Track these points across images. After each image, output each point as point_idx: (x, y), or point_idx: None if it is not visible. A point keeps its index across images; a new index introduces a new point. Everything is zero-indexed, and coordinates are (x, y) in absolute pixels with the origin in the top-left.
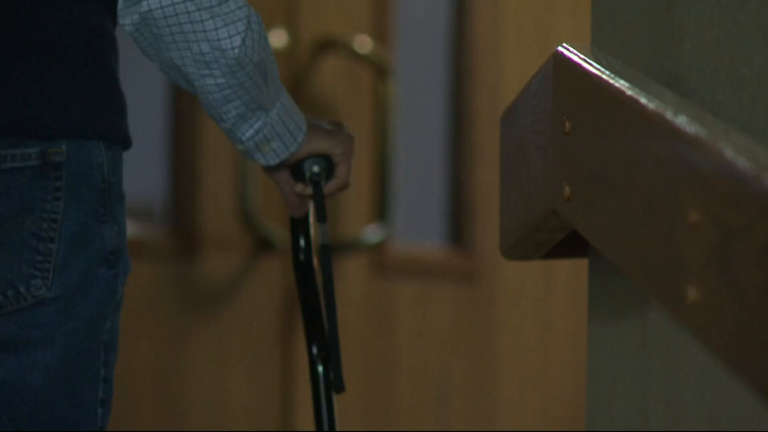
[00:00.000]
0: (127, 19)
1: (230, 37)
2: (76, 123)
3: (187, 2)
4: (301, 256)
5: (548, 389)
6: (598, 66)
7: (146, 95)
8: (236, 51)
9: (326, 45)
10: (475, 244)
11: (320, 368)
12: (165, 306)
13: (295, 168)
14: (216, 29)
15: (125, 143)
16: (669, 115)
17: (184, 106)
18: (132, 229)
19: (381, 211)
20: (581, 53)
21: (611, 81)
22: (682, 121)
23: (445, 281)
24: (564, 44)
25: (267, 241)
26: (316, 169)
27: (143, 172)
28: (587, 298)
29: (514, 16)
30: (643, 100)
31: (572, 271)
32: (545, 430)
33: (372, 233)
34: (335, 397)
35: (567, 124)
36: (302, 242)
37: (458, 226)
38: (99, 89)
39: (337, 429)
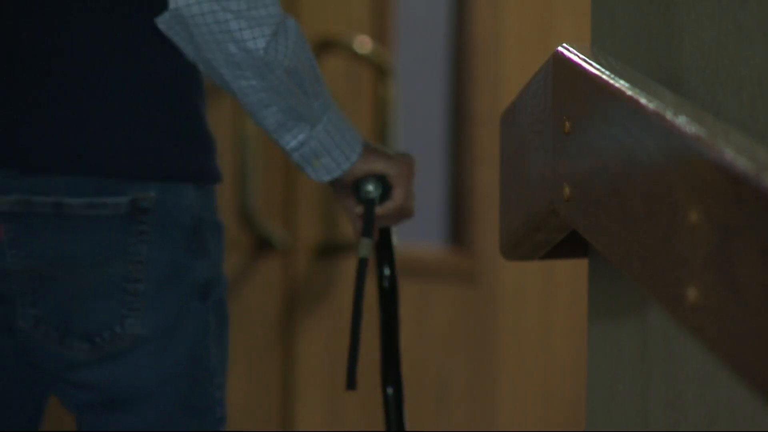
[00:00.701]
0: (160, 17)
1: (254, 38)
2: (167, 166)
3: (212, 3)
4: (385, 284)
5: (548, 389)
6: (598, 66)
7: None
8: (261, 52)
9: (326, 45)
10: (475, 244)
11: (389, 391)
12: None
13: (353, 189)
14: (240, 30)
15: (215, 179)
16: (669, 115)
17: None
18: None
19: None
20: (581, 53)
21: (611, 81)
22: (682, 121)
23: (445, 281)
24: (564, 44)
25: (267, 241)
26: (369, 187)
27: None
28: (587, 298)
29: (514, 16)
30: (643, 100)
31: (572, 271)
32: (545, 430)
33: None
34: (341, 397)
35: (567, 124)
36: (386, 271)
37: (458, 226)
38: (188, 131)
39: None
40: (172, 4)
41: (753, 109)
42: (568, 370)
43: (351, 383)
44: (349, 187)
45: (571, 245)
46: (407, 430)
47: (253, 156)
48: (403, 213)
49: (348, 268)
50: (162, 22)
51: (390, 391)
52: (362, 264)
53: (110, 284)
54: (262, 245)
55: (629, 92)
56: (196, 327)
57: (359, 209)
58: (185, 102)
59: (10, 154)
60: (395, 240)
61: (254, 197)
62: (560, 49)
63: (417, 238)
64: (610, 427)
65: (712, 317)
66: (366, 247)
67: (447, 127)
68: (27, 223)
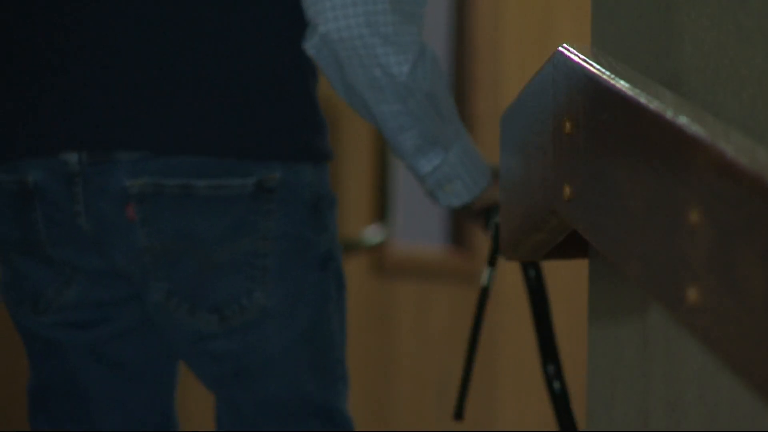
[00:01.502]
0: (309, 42)
1: (399, 63)
2: (288, 147)
3: (362, 27)
4: (533, 285)
5: None
6: (598, 66)
7: None
8: (404, 77)
9: None
10: (475, 244)
11: (557, 386)
12: None
13: (481, 216)
14: (386, 55)
15: (329, 157)
16: (669, 115)
17: None
18: None
19: (381, 211)
20: (581, 53)
21: (611, 81)
22: (682, 121)
23: (445, 281)
24: (564, 44)
25: None
26: (498, 219)
27: None
28: (587, 298)
29: (514, 16)
30: (643, 101)
31: (572, 271)
32: (545, 430)
33: (372, 234)
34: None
35: (567, 124)
36: (532, 272)
37: (458, 226)
38: (304, 114)
39: None
40: (321, 29)
41: (753, 109)
42: (568, 371)
43: (459, 413)
44: (476, 214)
45: (571, 245)
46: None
47: None
48: None
49: (348, 268)
50: (311, 47)
51: (557, 386)
52: (483, 294)
53: (238, 259)
54: None
55: (629, 92)
56: (318, 296)
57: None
58: (302, 87)
59: (140, 138)
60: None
61: None
62: (560, 49)
63: (417, 239)
64: (611, 427)
65: (713, 317)
66: (490, 277)
67: None
68: (157, 204)
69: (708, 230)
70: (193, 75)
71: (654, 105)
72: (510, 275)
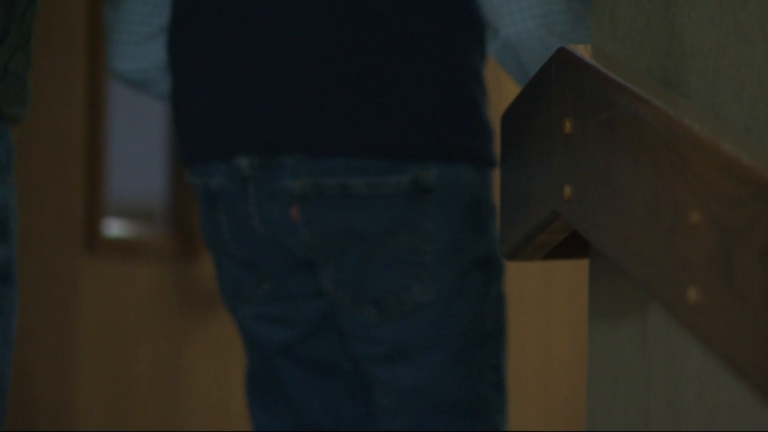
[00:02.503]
0: (490, 46)
1: None
2: (444, 147)
3: (540, 29)
4: None
5: (549, 389)
6: (598, 66)
7: (146, 96)
8: None
9: None
10: None
11: None
12: (165, 306)
13: None
14: None
15: (491, 162)
16: (669, 115)
17: None
18: (132, 230)
19: None
20: (581, 53)
21: (611, 81)
22: (682, 121)
23: None
24: (564, 44)
25: None
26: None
27: (144, 172)
28: (587, 298)
29: None
30: (643, 101)
31: (572, 271)
32: (546, 430)
33: None
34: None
35: (567, 124)
36: None
37: None
38: (464, 117)
39: None
40: (502, 33)
41: (753, 109)
42: (568, 370)
43: None
44: None
45: (572, 245)
46: None
47: None
48: None
49: None
50: (494, 51)
51: None
52: None
53: (396, 256)
54: None
55: (629, 92)
56: (475, 297)
57: None
58: (461, 90)
59: (301, 141)
60: None
61: None
62: (561, 49)
63: None
64: (611, 427)
65: (713, 317)
66: None
67: None
68: (318, 204)
69: (708, 230)
70: (350, 78)
71: (654, 105)
72: (510, 275)
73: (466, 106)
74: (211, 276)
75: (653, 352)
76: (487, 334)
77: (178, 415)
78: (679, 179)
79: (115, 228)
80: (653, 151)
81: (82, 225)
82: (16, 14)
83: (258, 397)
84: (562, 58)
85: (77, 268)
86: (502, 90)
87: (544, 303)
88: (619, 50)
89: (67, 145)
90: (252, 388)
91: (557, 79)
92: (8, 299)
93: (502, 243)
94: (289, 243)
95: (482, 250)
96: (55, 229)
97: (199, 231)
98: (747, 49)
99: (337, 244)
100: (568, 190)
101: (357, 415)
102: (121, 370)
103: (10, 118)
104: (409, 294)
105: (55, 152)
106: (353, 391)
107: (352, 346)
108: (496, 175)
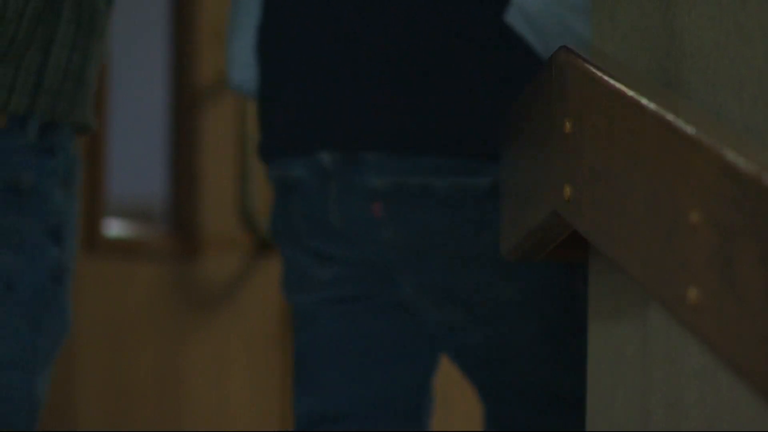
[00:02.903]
0: (508, 11)
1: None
2: None
3: (553, 5)
4: None
5: None
6: (598, 66)
7: (146, 95)
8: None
9: None
10: None
11: None
12: (165, 306)
13: None
14: (576, 22)
15: None
16: (669, 115)
17: (184, 106)
18: (132, 230)
19: None
20: (581, 53)
21: (611, 81)
22: (682, 121)
23: None
24: (564, 44)
25: (267, 242)
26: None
27: (143, 172)
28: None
29: None
30: (643, 101)
31: None
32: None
33: None
34: None
35: (567, 124)
36: None
37: None
38: None
39: None
40: (516, 0)
41: (753, 110)
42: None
43: None
44: None
45: (571, 245)
46: None
47: (253, 156)
48: None
49: None
50: (508, 16)
51: None
52: None
53: (480, 255)
54: (262, 245)
55: (629, 92)
56: (564, 297)
57: None
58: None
59: (384, 138)
60: None
61: (254, 197)
62: (561, 49)
63: None
64: (611, 427)
65: (713, 317)
66: None
67: None
68: (400, 202)
69: (708, 230)
70: (435, 77)
71: (654, 105)
72: None
73: None
74: (211, 276)
75: (653, 352)
76: (572, 327)
77: (178, 415)
78: (679, 179)
79: (115, 228)
80: (653, 151)
81: (82, 225)
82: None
83: (302, 383)
84: (563, 58)
85: (77, 267)
86: None
87: None
88: (619, 50)
89: None
90: (297, 372)
91: (557, 79)
92: (58, 300)
93: (503, 243)
94: (367, 241)
95: None
96: None
97: (200, 230)
98: (747, 49)
99: (418, 244)
100: (568, 190)
101: (410, 406)
102: (120, 370)
103: (76, 127)
104: (496, 292)
105: None
106: (411, 381)
107: (445, 352)
108: None
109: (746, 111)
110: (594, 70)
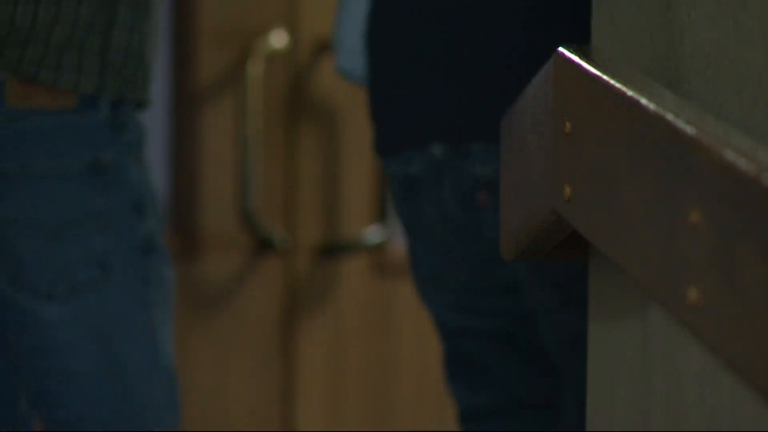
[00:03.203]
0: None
1: None
2: None
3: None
4: None
5: None
6: (598, 66)
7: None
8: None
9: (326, 45)
10: None
11: None
12: None
13: None
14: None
15: None
16: (669, 115)
17: (184, 106)
18: None
19: (381, 212)
20: (581, 53)
21: (611, 81)
22: (682, 121)
23: None
24: (564, 44)
25: (267, 242)
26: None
27: None
28: (587, 298)
29: None
30: (643, 101)
31: None
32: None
33: (372, 234)
34: (342, 398)
35: (567, 125)
36: None
37: None
38: None
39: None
40: None
41: (753, 110)
42: None
43: None
44: None
45: (571, 245)
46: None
47: (253, 156)
48: None
49: (347, 268)
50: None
51: None
52: None
53: None
54: (263, 245)
55: (629, 92)
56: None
57: None
58: None
59: (491, 129)
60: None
61: (254, 197)
62: (560, 49)
63: None
64: (611, 427)
65: (713, 317)
66: None
67: None
68: (497, 192)
69: (708, 230)
70: (534, 69)
71: (654, 105)
72: None
73: None
74: (211, 276)
75: (653, 353)
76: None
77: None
78: (679, 179)
79: None
80: (653, 151)
81: None
82: None
83: (458, 380)
84: (563, 59)
85: None
86: None
87: None
88: (619, 50)
89: None
90: (451, 372)
91: (557, 80)
92: (153, 270)
93: (502, 242)
94: (479, 229)
95: None
96: None
97: (200, 230)
98: (747, 49)
99: None
100: (568, 190)
101: (553, 387)
102: None
103: (136, 103)
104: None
105: None
106: (549, 367)
107: (539, 332)
108: None
109: (746, 111)
110: (594, 70)
